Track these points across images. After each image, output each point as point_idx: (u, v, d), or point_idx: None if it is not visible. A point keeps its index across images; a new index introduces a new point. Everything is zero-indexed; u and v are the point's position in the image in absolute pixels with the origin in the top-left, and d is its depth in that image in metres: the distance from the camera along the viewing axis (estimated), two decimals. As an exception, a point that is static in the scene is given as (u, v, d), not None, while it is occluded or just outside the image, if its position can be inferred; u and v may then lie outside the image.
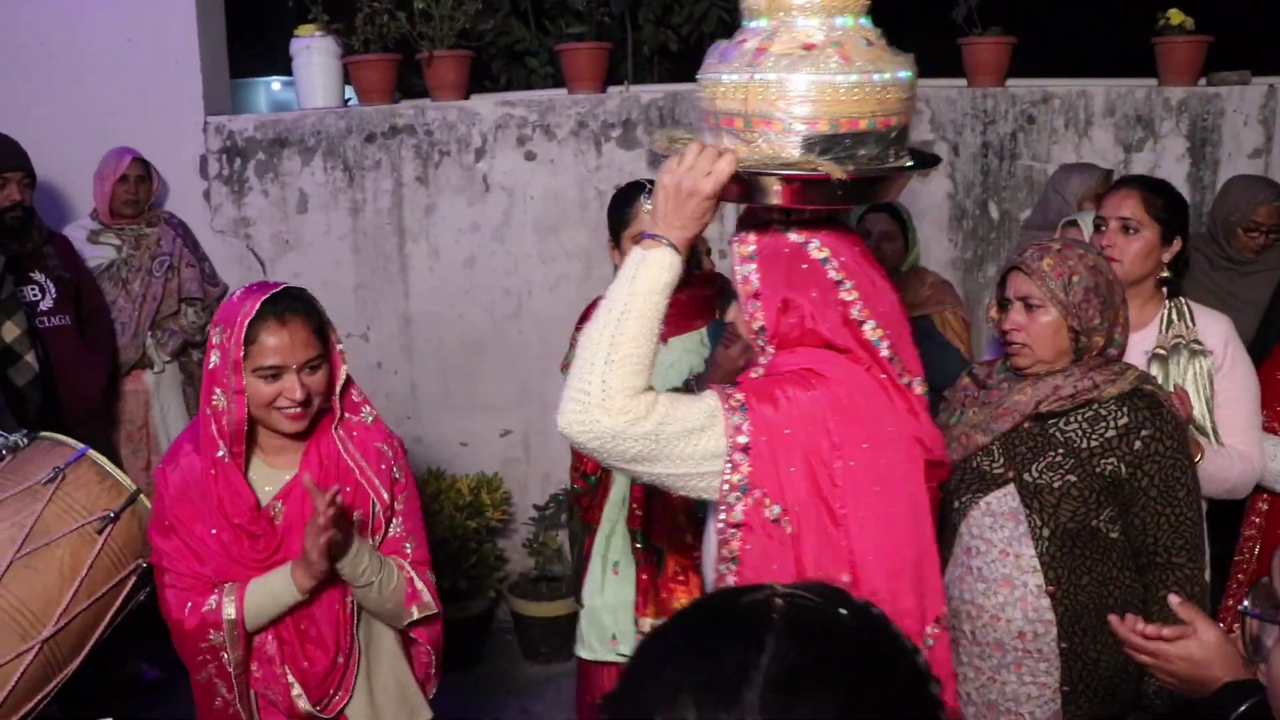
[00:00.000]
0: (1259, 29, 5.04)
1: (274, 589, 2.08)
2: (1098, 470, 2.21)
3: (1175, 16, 4.23)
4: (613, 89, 4.49)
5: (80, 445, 2.16)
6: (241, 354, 2.02)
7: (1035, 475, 2.25)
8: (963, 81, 4.44)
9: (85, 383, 3.92)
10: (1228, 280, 3.52)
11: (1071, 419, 2.26)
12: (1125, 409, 2.22)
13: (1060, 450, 2.24)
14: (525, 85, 4.83)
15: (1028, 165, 4.35)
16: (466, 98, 4.48)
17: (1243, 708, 1.45)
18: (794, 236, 1.82)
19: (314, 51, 4.49)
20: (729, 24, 4.67)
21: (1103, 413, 2.23)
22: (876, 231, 3.62)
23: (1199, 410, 2.58)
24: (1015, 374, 2.35)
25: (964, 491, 2.35)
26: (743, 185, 1.71)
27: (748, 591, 0.82)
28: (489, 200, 4.42)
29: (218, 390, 2.06)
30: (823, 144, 1.67)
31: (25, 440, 2.17)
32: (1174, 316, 2.67)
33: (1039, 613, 2.24)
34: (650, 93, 4.45)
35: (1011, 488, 2.27)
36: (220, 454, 2.07)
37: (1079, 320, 2.23)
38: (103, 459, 2.15)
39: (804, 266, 1.79)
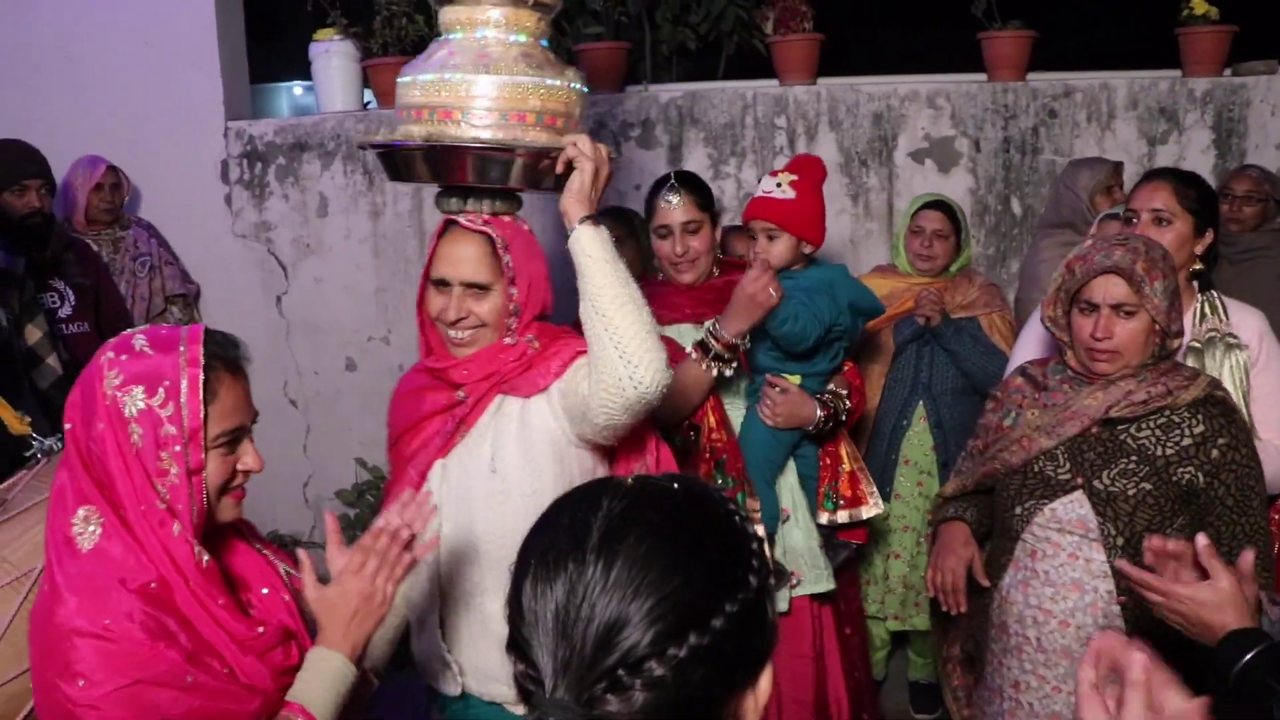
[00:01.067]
0: (1284, 18, 4.99)
1: (331, 677, 1.57)
2: (1174, 479, 2.14)
3: (1199, 6, 4.19)
4: (631, 88, 4.48)
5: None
6: (202, 419, 1.53)
7: (1107, 483, 2.17)
8: (983, 76, 4.41)
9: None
10: (1220, 270, 3.53)
11: (1143, 425, 2.18)
12: (1200, 416, 2.15)
13: (1133, 457, 2.16)
14: (543, 86, 4.81)
15: (1050, 160, 4.31)
16: (485, 99, 4.46)
17: (1248, 656, 1.47)
18: (523, 223, 2.16)
19: (333, 55, 4.50)
20: (747, 23, 4.66)
21: (1176, 419, 2.16)
22: (930, 230, 3.58)
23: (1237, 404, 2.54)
24: (1079, 376, 2.27)
25: (1026, 497, 2.26)
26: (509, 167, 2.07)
27: (613, 478, 1.07)
28: (509, 201, 4.41)
29: (160, 484, 1.53)
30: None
31: (59, 445, 2.16)
32: (1207, 310, 2.64)
33: (1109, 619, 2.16)
34: (669, 92, 4.44)
35: (1080, 494, 2.19)
36: (199, 558, 1.55)
37: (1167, 323, 2.15)
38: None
39: (536, 246, 2.14)
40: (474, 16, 2.07)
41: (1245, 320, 2.63)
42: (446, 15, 2.12)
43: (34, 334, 3.57)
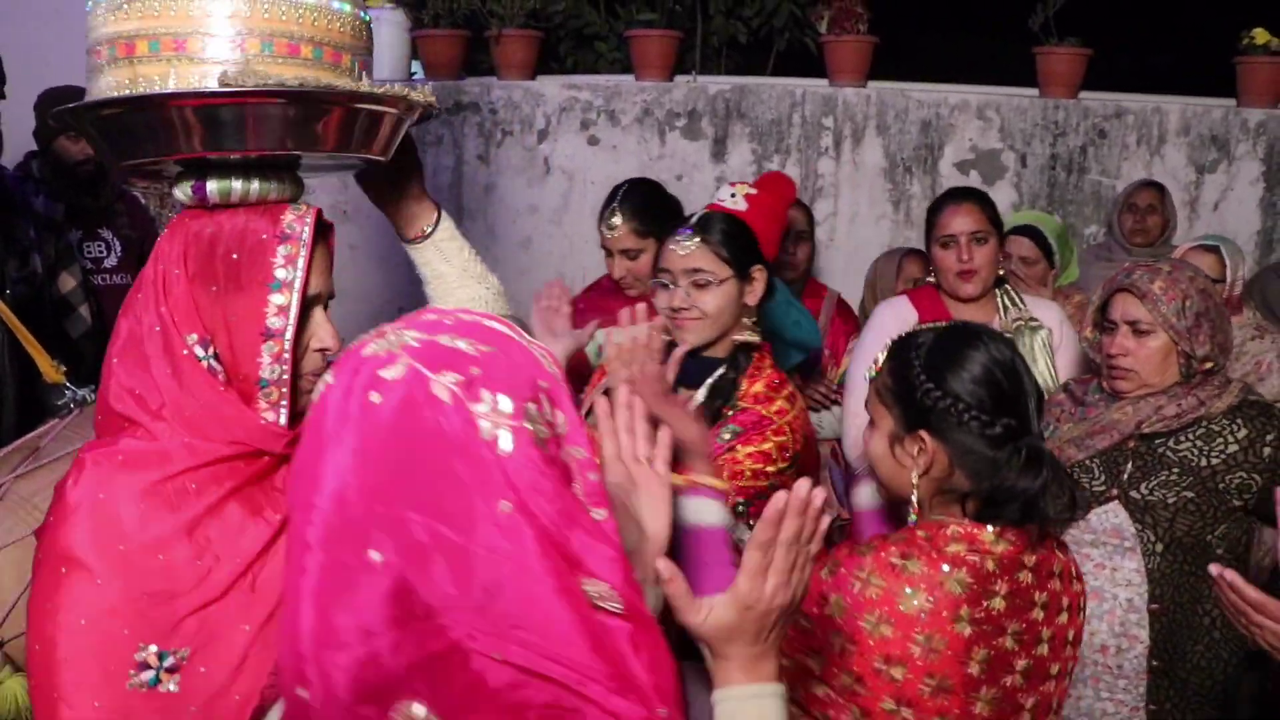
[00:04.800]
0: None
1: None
2: (1221, 486, 2.16)
3: (1261, 36, 4.13)
4: (680, 78, 4.46)
5: (145, 404, 2.13)
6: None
7: (1145, 493, 2.20)
8: (1035, 91, 4.37)
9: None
10: None
11: (1182, 438, 2.21)
12: (1239, 420, 2.18)
13: (1174, 470, 2.19)
14: (592, 69, 4.81)
15: (1096, 180, 4.27)
16: (533, 78, 4.46)
17: None
18: None
19: (383, 24, 4.49)
20: (800, 19, 4.62)
21: (1215, 428, 2.19)
22: (1016, 255, 3.34)
23: (1045, 376, 2.68)
24: (1111, 395, 2.31)
25: None
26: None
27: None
28: (549, 183, 4.41)
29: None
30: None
31: (93, 395, 2.16)
32: (1007, 303, 2.82)
33: (1125, 627, 2.20)
34: (717, 84, 4.42)
35: (1115, 505, 2.22)
36: None
37: (1190, 345, 2.18)
38: (167, 419, 2.12)
39: None
40: None
41: (1044, 311, 2.83)
42: None
43: (68, 282, 3.56)
